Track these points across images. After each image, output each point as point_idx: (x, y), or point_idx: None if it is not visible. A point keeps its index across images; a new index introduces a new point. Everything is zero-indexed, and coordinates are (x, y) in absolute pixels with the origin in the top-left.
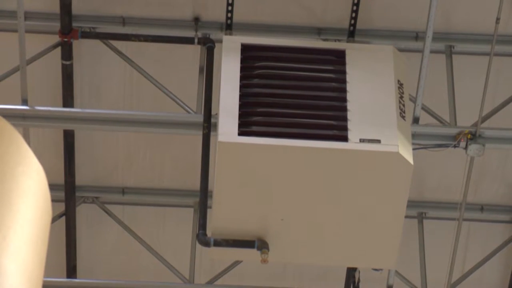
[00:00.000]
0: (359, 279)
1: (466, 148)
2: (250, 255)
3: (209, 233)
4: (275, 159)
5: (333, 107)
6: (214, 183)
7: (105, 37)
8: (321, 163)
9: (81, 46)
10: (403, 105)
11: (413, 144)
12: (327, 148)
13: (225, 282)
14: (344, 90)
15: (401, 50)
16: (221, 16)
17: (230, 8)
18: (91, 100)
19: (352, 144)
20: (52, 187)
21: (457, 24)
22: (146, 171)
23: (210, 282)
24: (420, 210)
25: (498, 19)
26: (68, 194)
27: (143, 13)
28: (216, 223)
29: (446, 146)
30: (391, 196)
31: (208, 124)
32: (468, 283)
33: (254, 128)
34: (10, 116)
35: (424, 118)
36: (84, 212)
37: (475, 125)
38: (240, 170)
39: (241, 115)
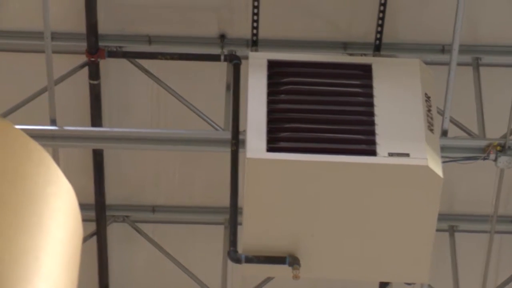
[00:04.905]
0: None
1: (495, 160)
2: (281, 271)
3: (240, 250)
4: (304, 174)
5: (361, 121)
6: (244, 200)
7: (131, 56)
8: (350, 177)
9: (108, 66)
10: (431, 118)
11: (442, 157)
12: (355, 162)
13: None
14: (371, 104)
15: (427, 63)
16: (246, 33)
17: (255, 24)
18: (119, 119)
19: (381, 158)
20: (83, 206)
21: (483, 36)
22: (176, 189)
23: None
24: (451, 223)
25: None
26: (98, 213)
27: (169, 32)
28: (247, 240)
29: (476, 158)
30: (422, 210)
31: (236, 141)
32: None
33: (282, 144)
34: (39, 136)
35: (453, 130)
36: (115, 231)
37: (504, 137)
38: (269, 186)
39: (269, 131)
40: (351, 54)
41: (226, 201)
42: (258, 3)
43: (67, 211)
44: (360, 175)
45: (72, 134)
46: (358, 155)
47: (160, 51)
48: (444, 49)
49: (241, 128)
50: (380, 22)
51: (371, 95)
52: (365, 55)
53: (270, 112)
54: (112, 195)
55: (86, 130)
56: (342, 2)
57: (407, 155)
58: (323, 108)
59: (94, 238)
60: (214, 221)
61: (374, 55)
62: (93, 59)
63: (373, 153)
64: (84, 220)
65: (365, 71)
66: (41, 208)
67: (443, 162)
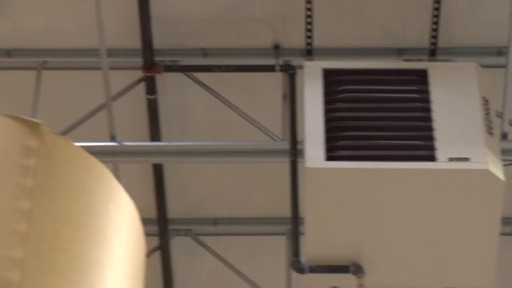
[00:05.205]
0: None
1: None
2: (345, 280)
3: (303, 260)
4: (364, 182)
5: (419, 127)
6: (305, 210)
7: (187, 69)
8: (410, 184)
9: (164, 80)
10: (490, 122)
11: (503, 160)
12: (416, 168)
13: None
14: (429, 110)
15: (484, 66)
16: (301, 42)
17: (309, 34)
18: (177, 132)
19: (441, 163)
20: (145, 221)
21: None
22: (236, 200)
23: None
24: None
25: None
26: (161, 228)
27: (223, 44)
28: (310, 250)
29: None
30: (484, 214)
31: (295, 151)
32: None
33: (341, 153)
34: (99, 153)
35: None
36: (178, 245)
37: None
38: (330, 195)
39: (327, 140)
40: (406, 60)
41: (287, 212)
42: (312, 12)
43: (130, 226)
44: (420, 181)
45: (131, 150)
46: (417, 161)
47: (215, 63)
48: (500, 51)
49: (299, 138)
50: (434, 26)
51: (428, 101)
52: (420, 60)
53: (328, 120)
54: (173, 209)
55: (146, 145)
56: (396, 8)
57: (467, 159)
58: (380, 115)
59: (158, 252)
60: (276, 231)
61: (429, 60)
62: (149, 74)
63: (432, 158)
64: (147, 234)
65: (421, 77)
66: (104, 224)
67: (504, 165)
